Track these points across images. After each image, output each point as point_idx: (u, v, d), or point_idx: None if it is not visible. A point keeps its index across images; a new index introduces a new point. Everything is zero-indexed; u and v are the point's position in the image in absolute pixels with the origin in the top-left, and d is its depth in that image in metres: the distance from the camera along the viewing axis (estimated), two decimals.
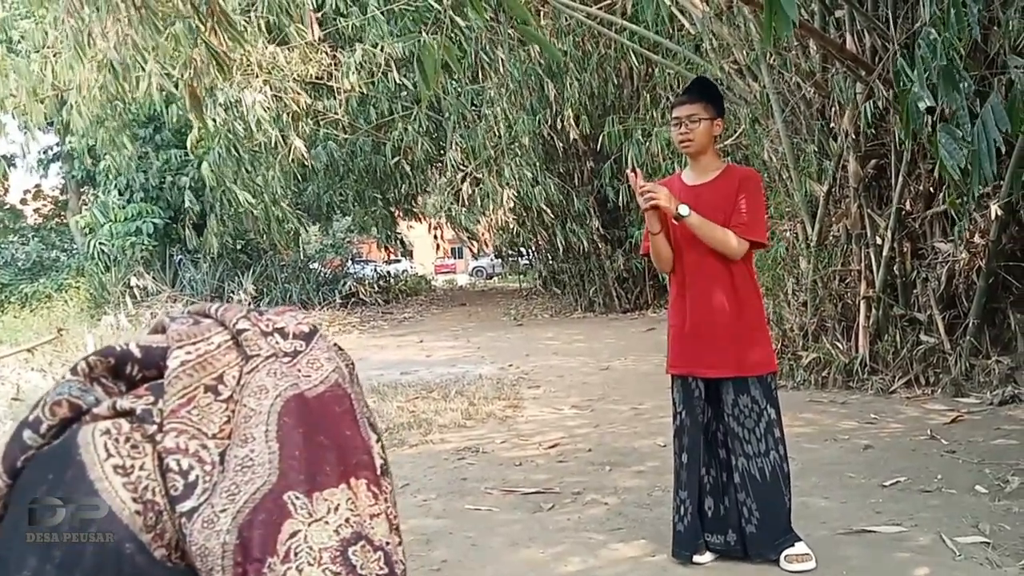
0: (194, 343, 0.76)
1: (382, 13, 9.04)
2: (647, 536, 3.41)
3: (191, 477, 0.70)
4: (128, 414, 0.71)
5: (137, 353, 0.78)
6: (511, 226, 12.23)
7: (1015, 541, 3.11)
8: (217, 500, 0.69)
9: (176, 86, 9.22)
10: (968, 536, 3.19)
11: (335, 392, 0.76)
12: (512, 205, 11.59)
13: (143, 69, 6.56)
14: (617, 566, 3.14)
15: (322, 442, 0.73)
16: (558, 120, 11.18)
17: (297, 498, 0.70)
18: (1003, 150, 5.30)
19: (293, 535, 0.69)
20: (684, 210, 3.00)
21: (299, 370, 0.76)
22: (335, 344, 0.81)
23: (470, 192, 11.66)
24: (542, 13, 10.43)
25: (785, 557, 3.06)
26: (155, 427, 0.72)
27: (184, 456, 0.70)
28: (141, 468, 0.70)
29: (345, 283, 16.83)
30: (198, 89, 7.45)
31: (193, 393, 0.73)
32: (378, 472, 0.76)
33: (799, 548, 3.08)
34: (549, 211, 12.38)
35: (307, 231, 19.05)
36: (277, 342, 0.77)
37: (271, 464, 0.70)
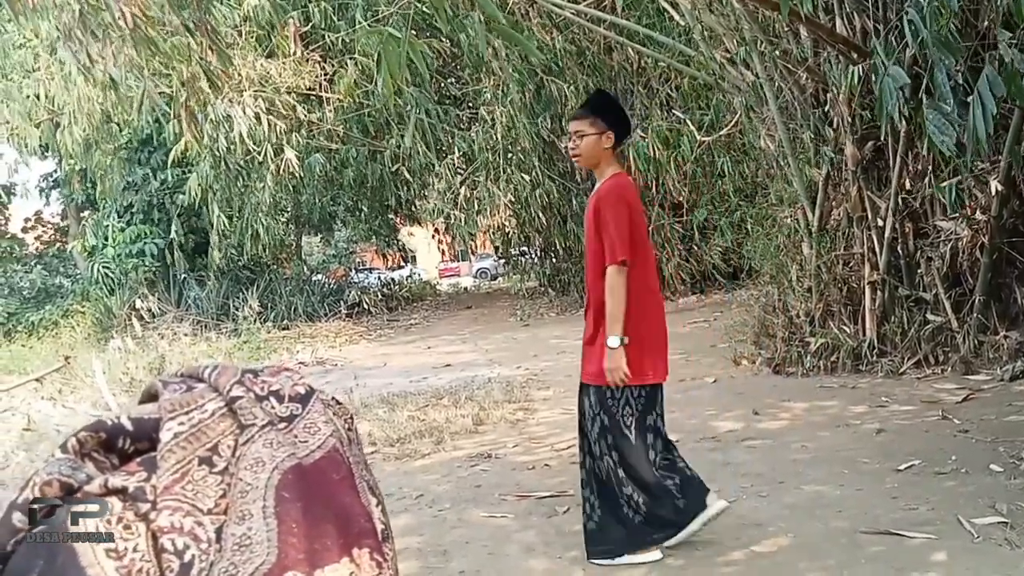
0: (187, 412, 0.74)
1: (368, 25, 9.02)
2: None
3: (187, 557, 0.68)
4: (120, 492, 0.70)
5: (129, 426, 0.76)
6: (508, 229, 12.15)
7: None
8: None
9: (169, 103, 9.21)
10: (985, 517, 3.17)
11: (333, 457, 0.74)
12: (510, 210, 11.54)
13: (136, 87, 6.60)
14: (635, 569, 3.12)
15: (322, 513, 0.71)
16: (557, 118, 11.13)
17: None
18: (997, 121, 5.29)
19: None
20: (613, 342, 3.04)
21: (296, 436, 0.74)
22: (333, 399, 0.79)
23: (468, 196, 11.62)
24: (531, 12, 10.41)
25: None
26: (148, 505, 0.70)
27: (179, 535, 0.69)
28: (135, 550, 0.68)
29: (349, 293, 16.81)
30: (193, 105, 7.46)
31: (187, 467, 0.71)
32: (380, 538, 0.75)
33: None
34: (546, 214, 12.33)
35: (300, 243, 18.98)
36: (272, 407, 0.75)
37: (269, 542, 0.69)
